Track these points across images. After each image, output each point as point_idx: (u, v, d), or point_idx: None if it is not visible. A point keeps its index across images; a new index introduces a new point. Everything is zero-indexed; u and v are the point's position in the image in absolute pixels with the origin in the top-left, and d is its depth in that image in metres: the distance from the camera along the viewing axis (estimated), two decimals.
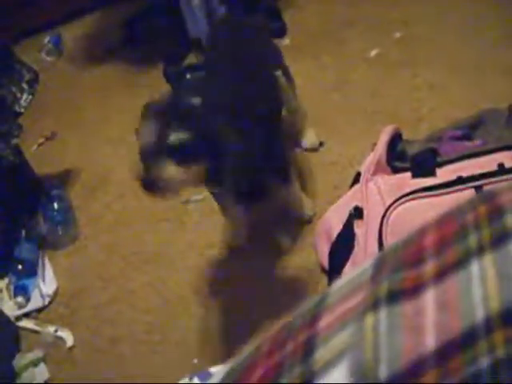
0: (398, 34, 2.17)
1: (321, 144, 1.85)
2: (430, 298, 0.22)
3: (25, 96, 2.39)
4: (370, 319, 0.23)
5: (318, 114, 1.93)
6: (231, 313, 1.53)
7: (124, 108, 2.20)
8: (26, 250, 1.81)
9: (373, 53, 2.12)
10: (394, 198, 1.27)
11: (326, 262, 1.42)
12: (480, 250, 0.23)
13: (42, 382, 1.54)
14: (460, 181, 1.26)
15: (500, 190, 0.26)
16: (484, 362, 0.20)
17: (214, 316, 1.53)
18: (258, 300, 1.51)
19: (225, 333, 1.48)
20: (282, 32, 2.36)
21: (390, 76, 2.00)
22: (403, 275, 0.24)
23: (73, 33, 2.74)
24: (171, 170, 1.15)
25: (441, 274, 0.23)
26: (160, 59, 2.33)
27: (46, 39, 2.67)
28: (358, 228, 1.32)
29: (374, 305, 0.23)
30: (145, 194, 1.17)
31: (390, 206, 1.27)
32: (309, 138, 1.83)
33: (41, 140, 2.27)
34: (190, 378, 1.33)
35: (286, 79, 1.69)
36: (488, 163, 1.26)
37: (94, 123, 2.24)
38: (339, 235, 1.37)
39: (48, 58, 2.65)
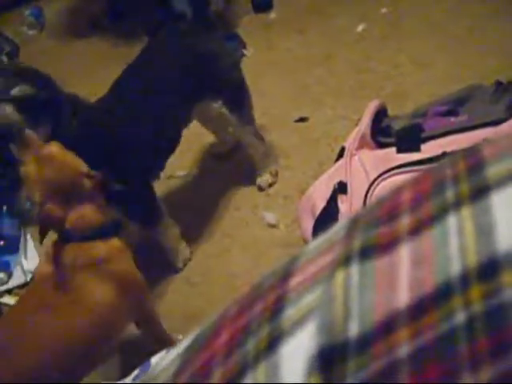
0: (384, 10, 2.15)
1: (304, 119, 1.83)
2: (404, 253, 0.21)
3: None
4: (340, 275, 0.22)
5: (302, 89, 1.91)
6: (218, 291, 1.52)
7: (108, 83, 2.16)
8: (8, 227, 1.79)
9: (359, 28, 2.10)
10: (378, 173, 1.26)
11: (310, 238, 1.41)
12: (458, 204, 0.21)
13: None
14: (444, 156, 1.25)
15: (482, 144, 0.25)
16: (459, 317, 0.19)
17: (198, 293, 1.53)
18: (241, 273, 1.51)
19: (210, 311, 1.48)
20: (268, 6, 2.33)
21: (376, 51, 1.98)
22: (377, 231, 0.23)
23: (55, 6, 2.69)
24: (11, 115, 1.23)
25: (416, 229, 0.22)
26: (144, 33, 2.29)
27: (27, 12, 2.61)
28: (342, 203, 1.31)
29: (345, 261, 0.22)
30: None
31: (374, 181, 1.26)
32: (262, 179, 1.71)
33: None
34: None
35: (230, 110, 1.57)
36: (473, 139, 1.26)
37: None
38: (323, 210, 1.36)
39: (29, 32, 2.60)
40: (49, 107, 1.28)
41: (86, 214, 1.16)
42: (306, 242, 1.46)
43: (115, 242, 1.19)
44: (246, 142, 1.68)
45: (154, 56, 1.55)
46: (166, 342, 1.32)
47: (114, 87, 1.48)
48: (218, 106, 1.56)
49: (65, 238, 1.17)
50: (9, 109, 1.23)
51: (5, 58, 2.35)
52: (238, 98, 1.61)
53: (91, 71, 2.31)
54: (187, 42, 1.54)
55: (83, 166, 1.16)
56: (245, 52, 2.13)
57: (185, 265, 1.60)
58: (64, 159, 1.16)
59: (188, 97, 1.52)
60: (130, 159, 1.41)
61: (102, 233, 1.18)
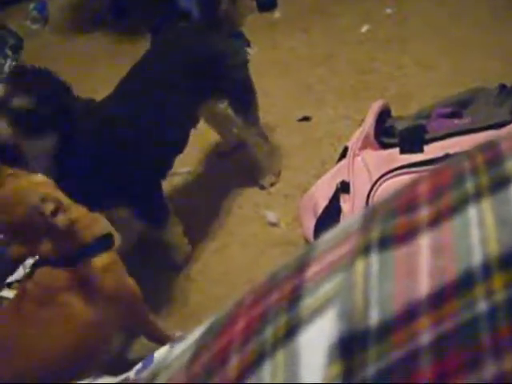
0: (389, 11, 2.15)
1: (307, 118, 1.84)
2: (424, 242, 0.21)
3: (8, 62, 2.33)
4: (360, 265, 0.22)
5: (305, 88, 1.91)
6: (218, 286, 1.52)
7: (110, 79, 2.16)
8: None
9: (363, 28, 2.10)
10: (381, 173, 1.26)
11: (311, 237, 1.41)
12: (478, 195, 0.22)
13: None
14: (447, 158, 1.25)
15: (499, 139, 0.25)
16: (481, 306, 0.19)
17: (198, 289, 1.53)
18: (242, 271, 1.51)
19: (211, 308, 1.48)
20: (272, 5, 2.33)
21: (380, 52, 1.98)
22: (396, 221, 0.23)
23: (58, 1, 2.69)
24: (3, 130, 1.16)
25: (436, 220, 0.22)
26: (147, 30, 2.29)
27: (31, 6, 2.61)
28: (345, 203, 1.31)
29: (364, 250, 0.22)
30: None
31: (376, 181, 1.26)
32: (266, 180, 1.71)
33: None
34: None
35: (236, 111, 1.57)
36: (476, 141, 1.25)
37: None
38: (325, 210, 1.36)
39: (33, 26, 2.60)
40: (51, 119, 1.20)
41: (53, 245, 1.12)
42: (307, 240, 1.46)
43: (100, 260, 1.16)
44: (251, 142, 1.68)
45: (162, 55, 1.54)
46: (166, 342, 1.32)
47: (121, 86, 1.47)
48: (223, 107, 1.56)
49: (41, 264, 1.15)
50: (1, 123, 1.16)
51: (9, 52, 2.34)
52: (245, 99, 1.60)
53: (93, 67, 2.30)
54: (195, 40, 1.54)
55: (36, 197, 1.07)
56: (249, 50, 2.13)
57: (186, 262, 1.60)
58: (16, 196, 1.10)
59: (196, 96, 1.51)
60: (139, 160, 1.40)
61: (77, 257, 1.14)
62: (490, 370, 0.18)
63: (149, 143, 1.42)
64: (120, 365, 1.39)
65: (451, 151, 1.26)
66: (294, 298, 0.23)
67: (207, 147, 1.88)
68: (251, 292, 0.26)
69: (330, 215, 1.35)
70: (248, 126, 1.63)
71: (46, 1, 2.66)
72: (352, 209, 1.29)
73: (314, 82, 1.95)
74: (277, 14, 2.30)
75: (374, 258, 0.22)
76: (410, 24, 2.06)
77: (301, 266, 0.25)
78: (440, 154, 1.27)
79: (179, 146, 1.54)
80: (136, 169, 1.39)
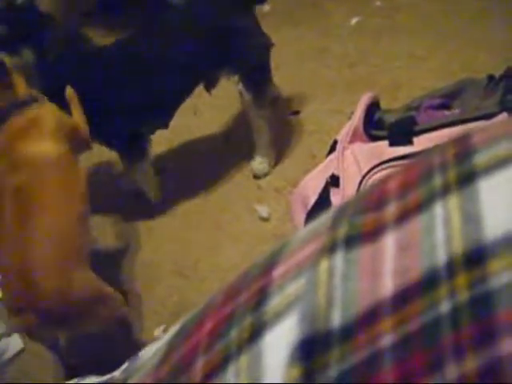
0: (378, 3, 2.14)
1: (296, 112, 1.83)
2: (389, 241, 0.21)
3: None
4: (324, 264, 0.21)
5: (295, 82, 1.91)
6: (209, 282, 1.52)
7: None
8: None
9: (353, 21, 2.09)
10: (370, 166, 1.26)
11: None
12: (445, 191, 0.21)
13: (15, 351, 1.52)
14: None
15: (471, 131, 0.24)
16: (444, 306, 0.18)
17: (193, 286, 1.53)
18: (233, 267, 1.51)
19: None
20: None
21: (370, 45, 1.98)
22: (363, 219, 0.22)
23: None
24: None
25: (402, 217, 0.21)
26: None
27: (19, 0, 2.58)
28: (334, 196, 1.31)
29: (330, 249, 0.22)
30: None
31: (366, 174, 1.26)
32: (258, 167, 1.73)
33: None
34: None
35: (246, 88, 1.60)
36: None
37: None
38: (315, 204, 1.36)
39: None
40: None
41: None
42: None
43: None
44: (255, 126, 1.68)
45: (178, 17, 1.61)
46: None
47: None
48: (235, 81, 1.59)
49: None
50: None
51: None
52: (257, 77, 1.62)
53: None
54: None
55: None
56: None
57: (158, 200, 1.70)
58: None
59: (203, 61, 1.57)
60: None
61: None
62: (452, 370, 0.17)
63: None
64: (106, 365, 1.39)
65: (441, 143, 1.26)
66: (260, 299, 0.23)
67: (195, 143, 1.87)
68: (221, 292, 0.26)
69: (321, 209, 1.34)
70: (258, 108, 1.63)
71: None
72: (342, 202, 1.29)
73: (303, 76, 1.94)
74: (266, 7, 2.28)
75: (339, 257, 0.21)
76: (400, 16, 2.06)
77: (269, 265, 0.24)
78: (429, 145, 1.26)
79: (175, 100, 1.61)
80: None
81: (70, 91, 1.35)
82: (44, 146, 1.22)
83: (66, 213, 1.22)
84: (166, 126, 1.64)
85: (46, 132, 1.23)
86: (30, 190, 1.18)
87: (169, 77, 1.53)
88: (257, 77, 1.62)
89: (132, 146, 1.61)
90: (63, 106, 1.35)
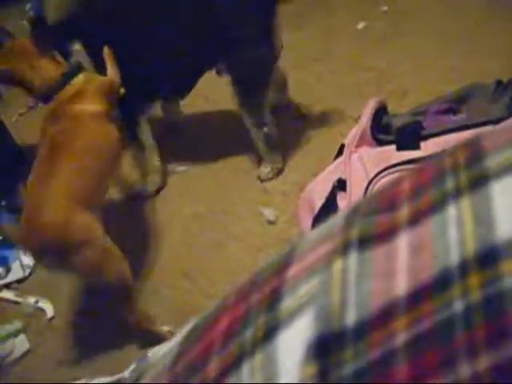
0: (385, 8, 2.14)
1: (303, 116, 1.83)
2: (402, 241, 0.21)
3: None
4: (338, 264, 0.22)
5: (301, 86, 1.91)
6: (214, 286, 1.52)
7: None
8: (7, 221, 1.78)
9: (359, 25, 2.10)
10: (377, 170, 1.26)
11: None
12: (457, 193, 0.21)
13: (21, 352, 1.53)
14: None
15: (482, 135, 0.25)
16: (458, 305, 0.19)
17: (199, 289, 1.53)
18: (239, 269, 1.51)
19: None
20: None
21: (376, 49, 1.98)
22: (376, 220, 0.23)
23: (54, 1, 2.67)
24: None
25: (415, 218, 0.22)
26: None
27: (28, 6, 2.61)
28: (341, 200, 1.31)
29: (343, 250, 0.22)
30: None
31: (373, 178, 1.26)
32: (263, 171, 1.72)
33: (22, 110, 2.23)
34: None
35: (234, 91, 1.61)
36: None
37: None
38: (322, 207, 1.36)
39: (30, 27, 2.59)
40: None
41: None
42: None
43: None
44: (251, 132, 1.68)
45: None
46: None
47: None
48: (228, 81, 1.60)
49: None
50: None
51: None
52: (249, 89, 1.60)
53: None
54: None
55: None
56: None
57: (156, 190, 1.73)
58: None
59: (198, 54, 1.61)
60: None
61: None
62: (465, 369, 0.18)
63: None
64: (115, 365, 1.39)
65: (448, 147, 1.26)
66: (274, 299, 0.23)
67: (203, 146, 1.88)
68: (234, 292, 0.26)
69: (327, 213, 1.35)
70: (246, 114, 1.62)
71: (42, 1, 2.66)
72: (348, 206, 1.29)
73: (310, 80, 1.94)
74: None
75: (353, 258, 0.22)
76: (406, 21, 2.06)
77: (282, 266, 0.25)
78: (436, 150, 1.27)
79: (161, 78, 1.66)
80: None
81: (106, 49, 1.53)
82: (84, 105, 1.41)
83: (90, 160, 1.38)
84: (182, 96, 1.72)
85: (88, 95, 1.43)
86: (65, 135, 1.37)
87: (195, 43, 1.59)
88: (247, 87, 1.60)
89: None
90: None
